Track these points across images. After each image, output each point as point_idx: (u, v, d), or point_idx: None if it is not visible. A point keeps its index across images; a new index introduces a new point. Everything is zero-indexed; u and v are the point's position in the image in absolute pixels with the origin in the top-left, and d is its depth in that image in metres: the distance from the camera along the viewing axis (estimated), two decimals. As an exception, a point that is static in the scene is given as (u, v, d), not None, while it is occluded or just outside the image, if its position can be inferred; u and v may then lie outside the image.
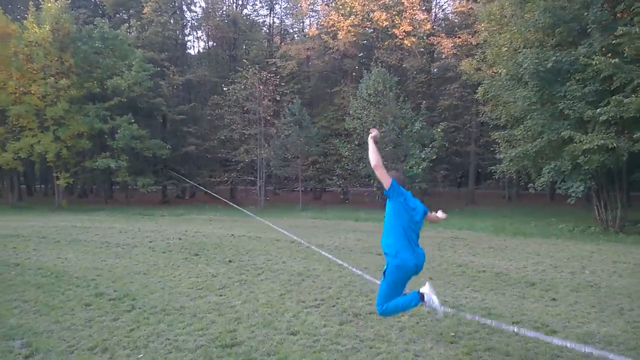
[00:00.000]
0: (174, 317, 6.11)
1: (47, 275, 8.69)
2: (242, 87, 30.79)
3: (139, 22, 37.30)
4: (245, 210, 17.60)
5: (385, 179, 4.51)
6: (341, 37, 34.55)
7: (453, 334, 5.41)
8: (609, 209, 16.56)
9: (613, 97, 13.67)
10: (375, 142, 4.65)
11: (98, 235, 14.46)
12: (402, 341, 5.19)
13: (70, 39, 28.93)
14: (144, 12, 36.23)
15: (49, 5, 28.01)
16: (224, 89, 37.82)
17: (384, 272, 4.56)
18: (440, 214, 5.16)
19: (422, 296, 4.53)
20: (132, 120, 29.70)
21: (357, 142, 29.47)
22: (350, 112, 29.10)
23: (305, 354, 4.81)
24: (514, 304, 6.72)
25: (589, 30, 14.89)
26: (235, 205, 18.21)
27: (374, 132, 4.70)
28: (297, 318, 6.05)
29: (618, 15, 15.86)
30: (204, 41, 48.08)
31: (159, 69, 33.44)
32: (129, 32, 37.56)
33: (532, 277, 8.57)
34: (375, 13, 34.03)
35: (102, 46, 30.11)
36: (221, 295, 7.19)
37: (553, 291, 7.45)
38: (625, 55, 14.05)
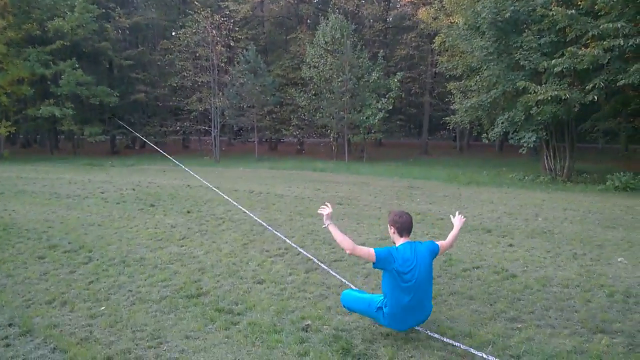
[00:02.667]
0: (135, 268, 5.93)
1: (-7, 227, 8.25)
2: (193, 31, 29.42)
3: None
4: (183, 167, 17.24)
5: (368, 255, 3.78)
6: (297, -20, 33.40)
7: (417, 279, 5.50)
8: (557, 159, 17.17)
9: (568, 49, 13.90)
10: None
11: (46, 187, 13.83)
12: (368, 287, 5.24)
13: (4, -26, 26.62)
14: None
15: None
16: (174, 33, 36.16)
17: (377, 305, 3.94)
18: (458, 222, 4.42)
19: None
20: (77, 66, 28.07)
21: (313, 92, 29.11)
22: (307, 60, 28.54)
23: (273, 302, 4.78)
24: (473, 250, 6.91)
25: (547, -20, 14.92)
26: (176, 161, 17.74)
27: (326, 211, 4.05)
28: (262, 267, 6.00)
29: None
30: (152, -18, 45.34)
31: (103, 10, 31.47)
32: (70, -30, 34.94)
33: (488, 224, 8.83)
34: (332, -44, 32.96)
35: (40, -17, 27.95)
36: (182, 246, 7.04)
37: (509, 237, 7.71)
38: (581, 6, 14.22)
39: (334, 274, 5.67)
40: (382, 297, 3.92)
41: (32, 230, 8.04)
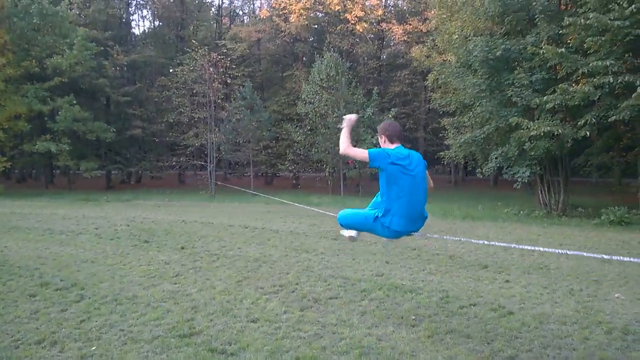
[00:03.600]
0: (127, 306, 5.84)
1: (-16, 265, 8.13)
2: (191, 69, 29.92)
3: (80, -1, 35.48)
4: (270, 197, 17.23)
5: (360, 154, 3.88)
6: (293, 20, 34.21)
7: (414, 317, 5.44)
8: (551, 193, 17.26)
9: (559, 86, 14.16)
10: (349, 127, 4.13)
11: (40, 222, 13.73)
12: (364, 326, 5.16)
13: (5, 14, 27.10)
14: (85, -13, 34.51)
15: (-20, -23, 26.11)
16: (171, 70, 36.71)
17: (373, 214, 3.99)
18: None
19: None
20: (74, 102, 28.39)
21: (309, 127, 29.43)
22: (302, 96, 28.95)
23: (267, 342, 4.69)
24: (470, 286, 6.85)
25: (537, 20, 15.34)
26: (251, 191, 17.70)
27: (353, 117, 4.20)
28: (256, 305, 5.92)
29: (563, 6, 16.42)
30: (150, 20, 46.56)
31: (102, 48, 32.04)
32: (70, 9, 35.60)
33: (484, 260, 8.78)
34: (327, -4, 33.86)
35: (40, 23, 28.43)
36: (176, 284, 6.95)
37: (506, 273, 7.66)
38: (570, 45, 14.56)
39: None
40: (378, 209, 3.94)
41: (24, 267, 7.93)
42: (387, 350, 4.49)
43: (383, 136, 4.07)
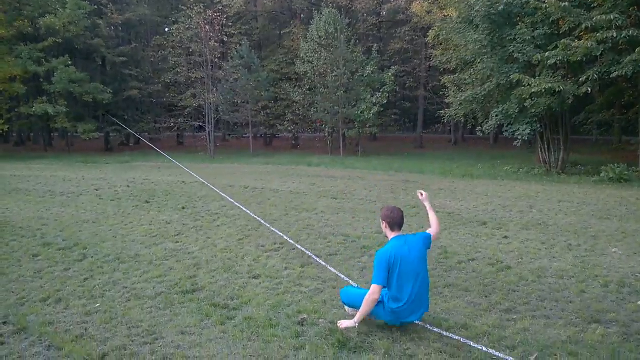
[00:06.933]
0: (130, 265, 5.91)
1: (-14, 226, 8.19)
2: (187, 27, 29.30)
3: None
4: (174, 161, 17.16)
5: (379, 290, 3.81)
6: (290, -25, 33.26)
7: (413, 272, 5.50)
8: (551, 151, 17.21)
9: (561, 41, 13.89)
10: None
11: (40, 184, 13.75)
12: (364, 280, 5.24)
13: (-5, -28, 26.38)
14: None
15: None
16: (167, 29, 35.99)
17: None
18: (425, 202, 4.52)
19: None
20: (70, 63, 27.87)
21: (308, 87, 29.06)
22: (301, 55, 28.45)
23: (268, 297, 4.77)
24: (468, 242, 6.92)
25: (540, -28, 14.91)
26: (171, 158, 17.65)
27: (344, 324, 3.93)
28: (257, 262, 5.99)
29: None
30: (144, -23, 45.05)
31: (96, 7, 31.26)
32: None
33: (483, 217, 8.84)
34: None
35: (32, -19, 27.70)
36: (177, 242, 7.02)
37: (504, 229, 7.72)
38: (574, -2, 14.23)
39: (330, 269, 5.67)
40: (382, 295, 3.95)
41: (26, 228, 8.00)
42: (386, 304, 4.55)
43: (384, 222, 4.11)
